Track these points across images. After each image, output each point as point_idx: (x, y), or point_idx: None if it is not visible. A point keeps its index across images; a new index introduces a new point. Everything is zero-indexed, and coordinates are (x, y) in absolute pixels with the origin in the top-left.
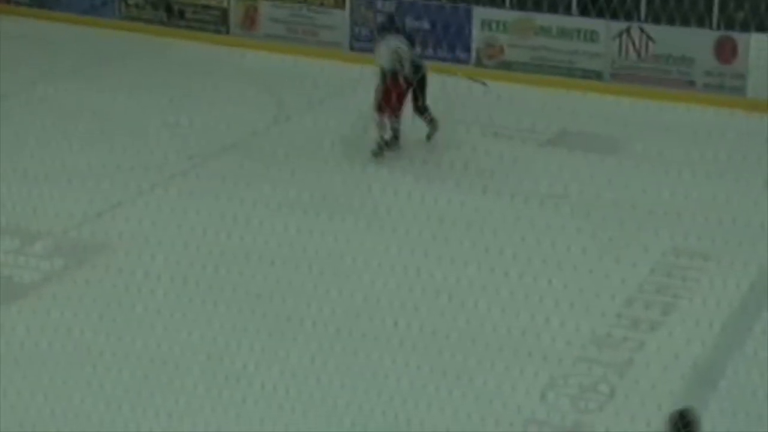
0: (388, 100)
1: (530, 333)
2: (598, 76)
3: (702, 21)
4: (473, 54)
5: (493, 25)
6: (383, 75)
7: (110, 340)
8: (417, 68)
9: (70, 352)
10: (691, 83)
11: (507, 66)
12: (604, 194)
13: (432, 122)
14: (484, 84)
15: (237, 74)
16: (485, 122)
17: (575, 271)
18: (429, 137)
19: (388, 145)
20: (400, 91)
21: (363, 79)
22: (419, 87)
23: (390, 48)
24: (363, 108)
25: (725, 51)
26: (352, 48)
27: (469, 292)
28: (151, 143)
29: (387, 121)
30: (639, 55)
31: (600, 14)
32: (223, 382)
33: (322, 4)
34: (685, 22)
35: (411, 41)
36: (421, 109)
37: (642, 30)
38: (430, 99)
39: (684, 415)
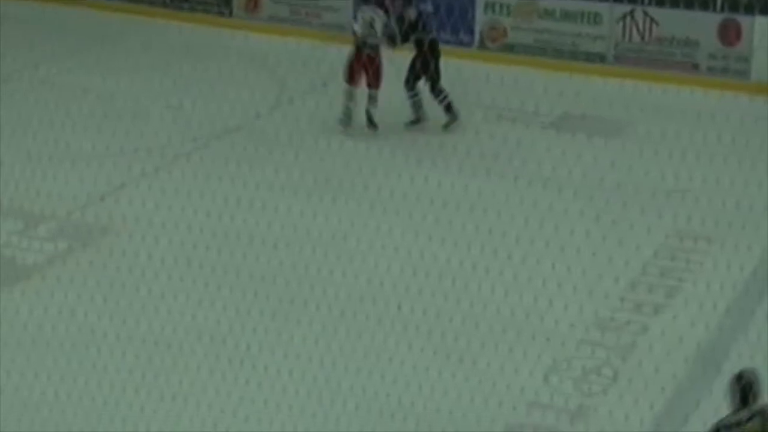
0: (361, 72)
1: (533, 316)
2: (601, 58)
3: (706, 4)
4: (476, 37)
5: (497, 8)
6: (357, 46)
7: (114, 323)
8: (391, 39)
9: (74, 334)
10: (695, 66)
11: (510, 49)
12: (607, 177)
13: (450, 110)
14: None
15: (240, 57)
16: (488, 105)
17: (578, 254)
18: (445, 126)
19: (416, 121)
20: (376, 65)
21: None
22: (423, 67)
23: (364, 19)
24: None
25: (729, 34)
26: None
27: (473, 275)
28: (155, 125)
29: (356, 92)
30: (642, 37)
31: None
32: (227, 365)
33: None
34: (689, 5)
35: (387, 13)
36: (436, 92)
37: (646, 13)
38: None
39: (741, 377)
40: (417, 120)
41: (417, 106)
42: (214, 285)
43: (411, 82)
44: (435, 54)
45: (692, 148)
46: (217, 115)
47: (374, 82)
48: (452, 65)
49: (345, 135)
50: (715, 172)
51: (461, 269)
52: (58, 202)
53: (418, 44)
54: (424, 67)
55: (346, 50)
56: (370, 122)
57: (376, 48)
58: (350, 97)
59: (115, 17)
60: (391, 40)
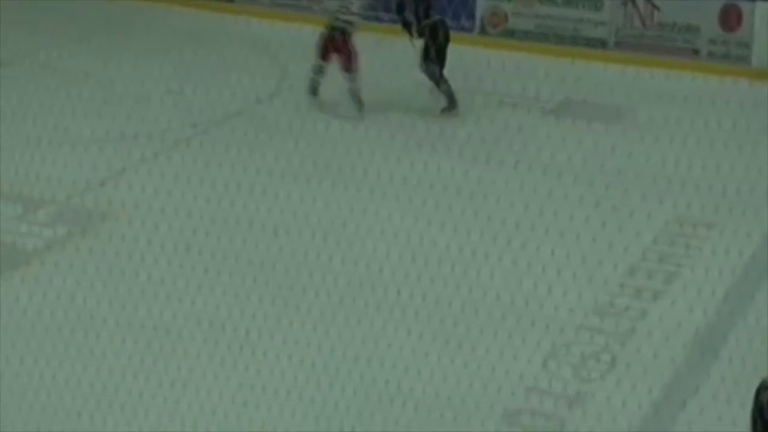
0: (333, 52)
1: (532, 302)
2: (602, 44)
3: None
4: (477, 22)
5: None
6: (330, 29)
7: (113, 308)
8: (406, 25)
9: (73, 320)
10: (696, 52)
11: (511, 34)
12: (607, 163)
13: (449, 97)
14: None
15: (242, 42)
16: (489, 91)
17: (578, 240)
18: (443, 111)
19: (451, 106)
20: (348, 51)
21: (367, 47)
22: (425, 53)
23: (338, 6)
24: (364, 77)
25: (730, 19)
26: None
27: (472, 261)
28: (155, 111)
29: (327, 67)
30: (644, 23)
31: None
32: (226, 350)
33: None
34: None
35: None
36: (437, 78)
37: None
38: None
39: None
40: (452, 106)
41: (448, 93)
42: (213, 271)
43: (432, 68)
44: (447, 39)
45: (693, 133)
46: (218, 100)
47: (347, 64)
48: (453, 51)
49: (339, 117)
50: (715, 157)
51: (460, 255)
52: (57, 187)
53: (433, 30)
54: (439, 53)
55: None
56: (357, 102)
57: (346, 29)
58: (318, 71)
59: (117, 3)
60: (407, 27)
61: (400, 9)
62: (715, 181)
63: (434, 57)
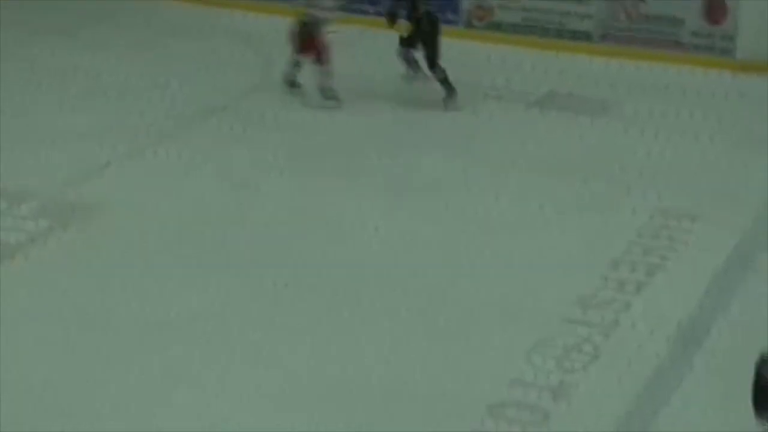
0: (309, 47)
1: (516, 294)
2: (587, 37)
3: None
4: (463, 16)
5: None
6: (300, 24)
7: (96, 304)
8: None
9: (57, 315)
10: (681, 44)
11: (497, 27)
12: (592, 156)
13: (446, 86)
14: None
15: (226, 35)
16: (475, 83)
17: (562, 232)
18: (445, 103)
19: (450, 95)
20: (317, 46)
21: (351, 39)
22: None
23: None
24: (349, 70)
25: (715, 12)
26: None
27: (455, 255)
28: (140, 104)
29: (302, 60)
30: (629, 16)
31: None
32: (218, 346)
33: None
34: None
35: None
36: (432, 68)
37: None
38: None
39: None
40: (450, 94)
41: (444, 81)
42: (198, 266)
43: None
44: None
45: (678, 126)
46: (204, 94)
47: (318, 58)
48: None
49: (324, 110)
50: (700, 150)
51: (443, 249)
52: (41, 180)
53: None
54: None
55: (333, 28)
56: (329, 97)
57: (314, 22)
58: (294, 64)
59: None
60: (390, 18)
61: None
62: (699, 174)
63: (416, 46)
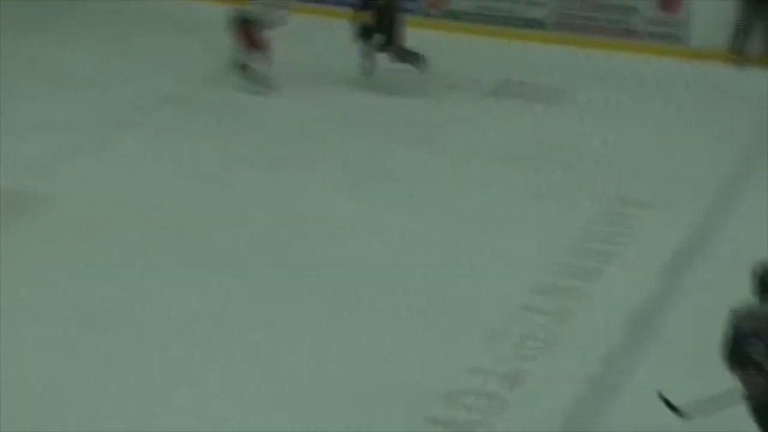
0: (254, 41)
1: (472, 282)
2: (541, 25)
3: None
4: (420, 3)
5: None
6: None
7: (53, 297)
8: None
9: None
10: (635, 32)
11: (453, 16)
12: (547, 144)
13: (409, 56)
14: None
15: (188, 26)
16: (430, 72)
17: (519, 220)
18: (421, 70)
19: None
20: (253, 38)
21: (310, 30)
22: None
23: None
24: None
25: (669, 0)
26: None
27: (412, 244)
28: (99, 96)
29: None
30: (582, 3)
31: None
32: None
33: None
34: None
35: None
36: (400, 56)
37: None
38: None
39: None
40: (417, 61)
41: (415, 57)
42: (160, 259)
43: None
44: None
45: (632, 114)
46: (166, 84)
47: (253, 46)
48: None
49: (281, 97)
50: (654, 137)
51: (400, 239)
52: (1, 170)
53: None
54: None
55: (292, 19)
56: (259, 82)
57: (252, 18)
58: (245, 57)
59: None
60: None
61: None
62: (654, 161)
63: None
